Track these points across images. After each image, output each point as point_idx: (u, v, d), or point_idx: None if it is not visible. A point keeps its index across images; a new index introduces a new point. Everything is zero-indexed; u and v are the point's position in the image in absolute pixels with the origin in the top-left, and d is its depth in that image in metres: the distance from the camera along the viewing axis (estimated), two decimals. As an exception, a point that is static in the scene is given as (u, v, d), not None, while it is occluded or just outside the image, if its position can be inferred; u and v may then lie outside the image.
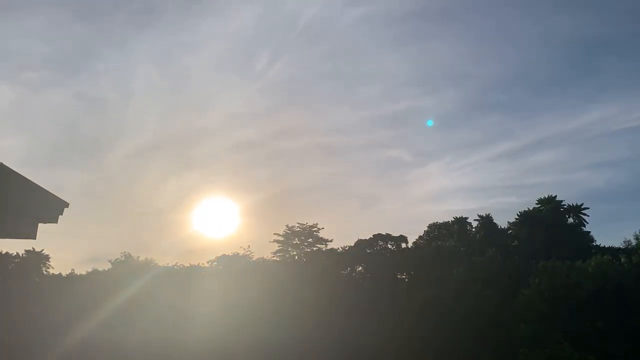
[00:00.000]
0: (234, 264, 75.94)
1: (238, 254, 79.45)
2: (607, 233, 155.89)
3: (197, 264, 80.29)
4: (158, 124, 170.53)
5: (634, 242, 72.74)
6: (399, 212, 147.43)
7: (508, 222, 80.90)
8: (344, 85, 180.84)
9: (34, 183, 6.04)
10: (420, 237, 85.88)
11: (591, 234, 77.82)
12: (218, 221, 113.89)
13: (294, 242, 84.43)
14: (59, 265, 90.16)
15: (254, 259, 79.42)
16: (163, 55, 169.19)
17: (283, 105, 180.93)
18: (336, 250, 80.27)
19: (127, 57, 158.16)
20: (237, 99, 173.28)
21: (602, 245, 74.14)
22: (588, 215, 79.49)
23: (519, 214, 78.82)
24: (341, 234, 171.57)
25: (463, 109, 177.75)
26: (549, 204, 78.68)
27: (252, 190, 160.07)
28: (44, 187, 6.15)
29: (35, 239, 6.66)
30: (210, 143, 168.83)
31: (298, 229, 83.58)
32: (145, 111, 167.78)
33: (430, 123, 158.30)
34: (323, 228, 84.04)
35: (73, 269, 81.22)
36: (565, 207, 79.48)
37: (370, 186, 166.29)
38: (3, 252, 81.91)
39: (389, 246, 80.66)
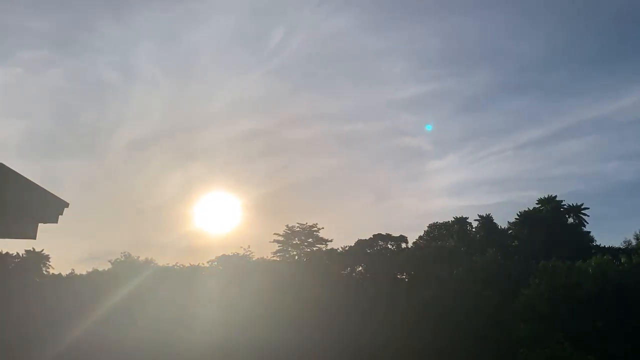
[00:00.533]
0: (234, 264, 75.96)
1: (238, 254, 79.49)
2: (609, 232, 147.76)
3: (197, 264, 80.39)
4: (160, 111, 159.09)
5: (634, 242, 72.86)
6: (415, 206, 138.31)
7: (508, 222, 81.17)
8: (364, 64, 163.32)
9: (34, 183, 6.05)
10: (420, 237, 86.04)
11: (591, 234, 78.06)
12: (221, 217, 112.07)
13: (294, 242, 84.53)
14: (57, 263, 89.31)
15: (254, 259, 79.48)
16: (167, 31, 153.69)
17: (295, 89, 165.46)
18: (336, 250, 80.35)
19: (128, 34, 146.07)
20: (245, 82, 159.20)
21: (602, 245, 74.24)
22: (588, 215, 79.73)
23: (519, 214, 79.00)
24: (351, 230, 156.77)
25: (492, 91, 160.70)
26: (549, 204, 78.76)
27: (258, 184, 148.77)
28: (42, 185, 6.16)
29: (35, 239, 6.67)
30: (215, 132, 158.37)
31: (298, 229, 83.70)
32: (147, 96, 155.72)
33: (429, 128, 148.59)
34: (323, 228, 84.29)
35: (73, 269, 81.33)
36: (565, 207, 79.59)
37: (385, 179, 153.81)
38: (3, 252, 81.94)
39: (389, 246, 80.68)
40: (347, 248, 79.80)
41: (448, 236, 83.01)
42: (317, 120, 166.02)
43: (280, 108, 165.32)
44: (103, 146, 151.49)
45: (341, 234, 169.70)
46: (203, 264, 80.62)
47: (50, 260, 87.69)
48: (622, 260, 57.04)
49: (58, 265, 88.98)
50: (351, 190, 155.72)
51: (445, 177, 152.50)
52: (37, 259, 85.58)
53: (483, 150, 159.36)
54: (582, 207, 79.61)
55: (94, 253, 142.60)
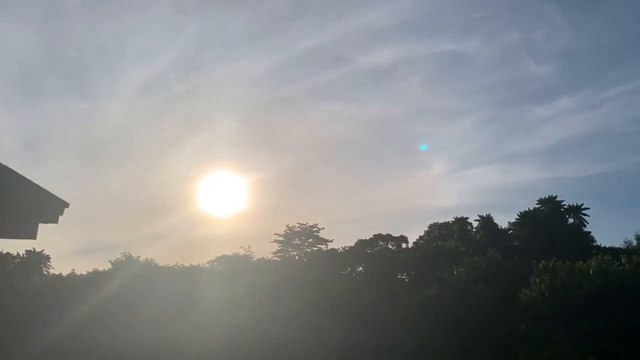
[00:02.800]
0: (234, 264, 76.02)
1: (238, 254, 79.61)
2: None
3: (197, 264, 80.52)
4: (179, 27, 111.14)
5: (634, 243, 72.84)
6: (494, 180, 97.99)
7: (508, 222, 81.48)
8: None
9: (34, 183, 6.05)
10: (420, 237, 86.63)
11: (591, 234, 78.11)
12: (233, 195, 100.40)
13: (295, 242, 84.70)
14: (52, 253, 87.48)
15: (254, 259, 79.56)
16: None
17: None
18: (336, 250, 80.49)
19: None
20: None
21: (602, 245, 74.21)
22: (588, 216, 79.85)
23: (519, 214, 79.19)
24: (406, 215, 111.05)
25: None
26: (550, 204, 78.84)
27: (289, 145, 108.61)
28: (44, 187, 6.16)
29: (35, 239, 6.68)
30: (248, 61, 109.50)
31: (298, 229, 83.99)
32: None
33: (423, 147, 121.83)
34: (323, 228, 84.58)
35: (73, 269, 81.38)
36: (565, 207, 79.67)
37: (469, 135, 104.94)
38: (3, 252, 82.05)
39: (390, 246, 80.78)
40: (347, 248, 79.96)
41: (448, 236, 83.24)
42: (406, 35, 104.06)
43: (349, 13, 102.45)
44: (98, 89, 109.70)
45: (394, 221, 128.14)
46: (203, 264, 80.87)
47: (50, 260, 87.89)
48: (623, 260, 57.01)
49: (56, 258, 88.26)
50: (418, 152, 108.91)
51: (547, 132, 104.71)
52: (37, 259, 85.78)
53: (615, 87, 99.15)
54: (582, 207, 79.76)
55: (92, 244, 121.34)
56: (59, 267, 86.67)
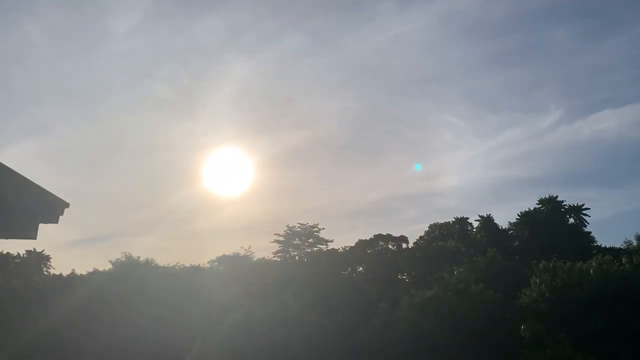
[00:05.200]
0: (234, 264, 76.10)
1: (238, 254, 79.72)
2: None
3: (197, 264, 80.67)
4: None
5: (634, 243, 72.84)
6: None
7: (509, 222, 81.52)
8: None
9: (34, 183, 6.05)
10: (420, 237, 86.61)
11: (592, 234, 78.15)
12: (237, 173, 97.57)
13: (295, 243, 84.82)
14: (51, 246, 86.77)
15: (254, 259, 79.69)
16: None
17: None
18: (337, 250, 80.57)
19: None
20: None
21: (603, 245, 74.22)
22: (589, 216, 79.90)
23: (519, 214, 79.22)
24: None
25: None
26: (550, 204, 78.85)
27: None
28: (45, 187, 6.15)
29: (35, 239, 6.67)
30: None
31: (299, 229, 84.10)
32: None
33: (418, 167, 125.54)
34: (324, 228, 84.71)
35: (73, 269, 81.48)
36: (566, 207, 79.68)
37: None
38: (3, 252, 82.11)
39: (390, 246, 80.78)
40: (347, 248, 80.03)
41: (449, 236, 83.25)
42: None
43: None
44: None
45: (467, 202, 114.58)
46: (204, 264, 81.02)
47: (50, 260, 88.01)
48: (623, 260, 56.97)
49: (54, 250, 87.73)
50: (525, 86, 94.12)
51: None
52: (38, 259, 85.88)
53: None
54: (583, 207, 79.78)
55: (88, 231, 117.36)
56: (56, 259, 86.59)
